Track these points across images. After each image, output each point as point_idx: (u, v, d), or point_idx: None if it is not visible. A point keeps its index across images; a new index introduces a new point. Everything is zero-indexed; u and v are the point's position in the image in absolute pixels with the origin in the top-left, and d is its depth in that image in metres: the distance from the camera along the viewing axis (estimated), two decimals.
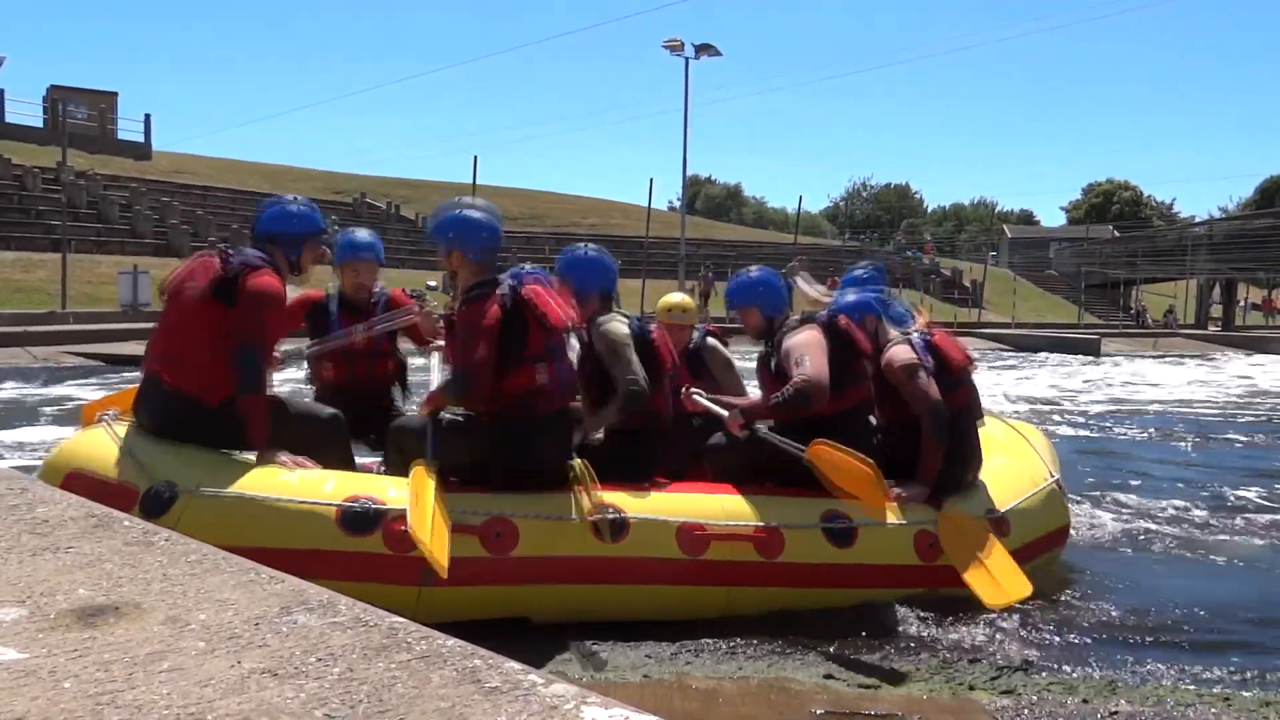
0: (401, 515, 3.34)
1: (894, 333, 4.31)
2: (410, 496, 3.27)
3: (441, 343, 4.36)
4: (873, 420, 4.29)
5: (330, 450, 3.85)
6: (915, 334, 4.28)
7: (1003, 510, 4.17)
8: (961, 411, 4.21)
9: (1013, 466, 4.54)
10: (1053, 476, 4.61)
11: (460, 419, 3.71)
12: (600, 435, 4.02)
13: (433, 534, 3.16)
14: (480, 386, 3.60)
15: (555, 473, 3.70)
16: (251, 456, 3.63)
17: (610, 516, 3.59)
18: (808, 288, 4.99)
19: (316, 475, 3.56)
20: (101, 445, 3.60)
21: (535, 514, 3.56)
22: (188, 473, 3.43)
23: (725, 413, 4.08)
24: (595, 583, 3.59)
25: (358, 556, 3.36)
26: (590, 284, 4.15)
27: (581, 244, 4.47)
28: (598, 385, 4.06)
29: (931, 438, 4.03)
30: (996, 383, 15.52)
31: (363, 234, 4.69)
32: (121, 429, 3.68)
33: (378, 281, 4.66)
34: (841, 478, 3.76)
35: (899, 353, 4.16)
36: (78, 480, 3.41)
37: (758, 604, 3.72)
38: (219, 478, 3.43)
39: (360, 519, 3.40)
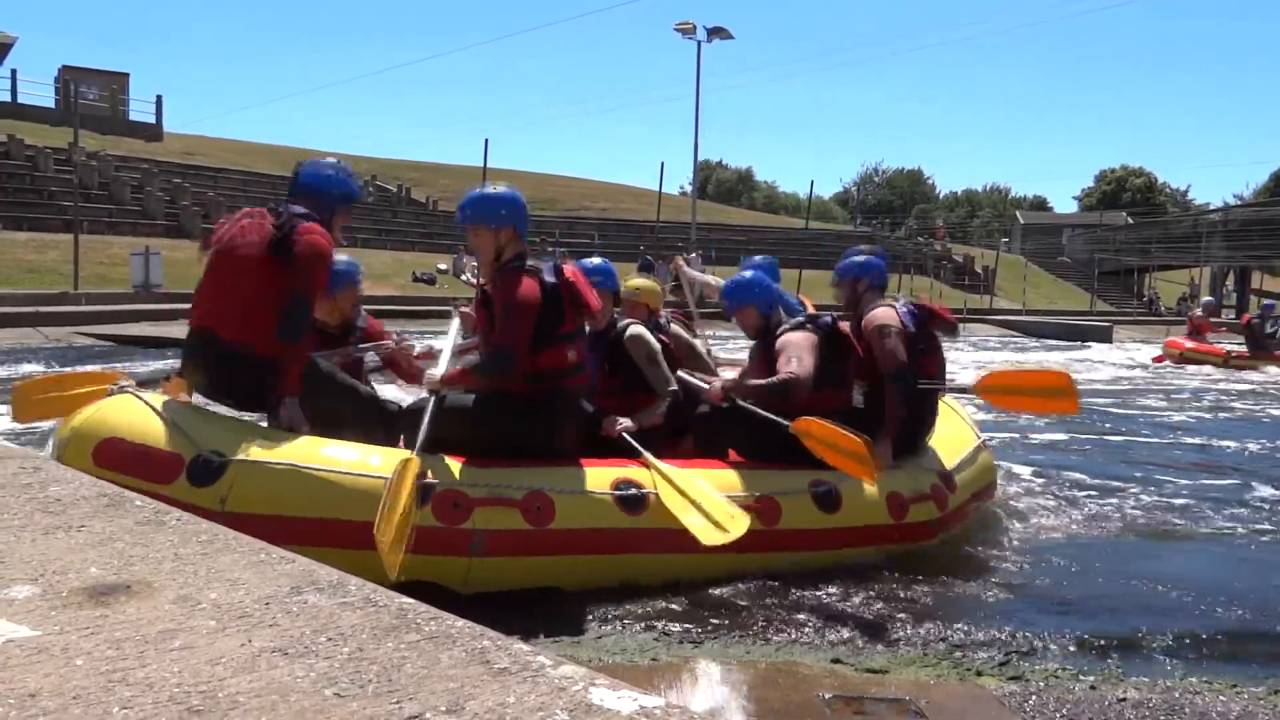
0: (450, 490, 3.46)
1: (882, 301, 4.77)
2: (388, 494, 3.18)
3: (465, 309, 4.40)
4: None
5: (354, 429, 3.91)
6: (901, 302, 4.76)
7: (949, 469, 4.70)
8: (929, 378, 4.71)
9: (947, 432, 5.03)
10: (979, 438, 5.29)
11: (487, 395, 3.75)
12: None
13: (394, 536, 3.11)
14: (520, 364, 3.65)
15: (574, 447, 3.87)
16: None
17: (634, 492, 3.76)
18: (696, 274, 5.65)
19: (363, 449, 3.59)
20: (135, 413, 3.54)
21: (569, 488, 3.68)
22: (235, 442, 3.43)
23: (705, 385, 4.44)
24: (621, 553, 3.72)
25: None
26: (606, 287, 4.46)
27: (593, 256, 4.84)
28: (619, 381, 4.34)
29: (895, 395, 4.47)
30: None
31: (339, 260, 4.42)
32: (150, 397, 3.65)
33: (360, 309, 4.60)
34: (832, 452, 4.01)
35: (879, 314, 4.59)
36: (113, 448, 3.38)
37: (760, 569, 3.90)
38: (267, 448, 3.43)
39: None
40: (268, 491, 3.31)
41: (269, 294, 3.59)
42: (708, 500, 3.73)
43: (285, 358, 3.59)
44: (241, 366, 3.60)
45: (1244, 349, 17.05)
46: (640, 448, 3.97)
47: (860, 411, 4.50)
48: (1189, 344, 18.05)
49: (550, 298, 3.72)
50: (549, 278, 3.74)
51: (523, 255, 3.83)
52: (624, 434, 4.05)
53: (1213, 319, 19.86)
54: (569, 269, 3.84)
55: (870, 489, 4.21)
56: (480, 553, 3.46)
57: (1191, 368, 16.79)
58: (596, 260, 4.64)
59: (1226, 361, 16.83)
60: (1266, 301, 19.53)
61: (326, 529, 3.27)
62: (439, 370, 3.91)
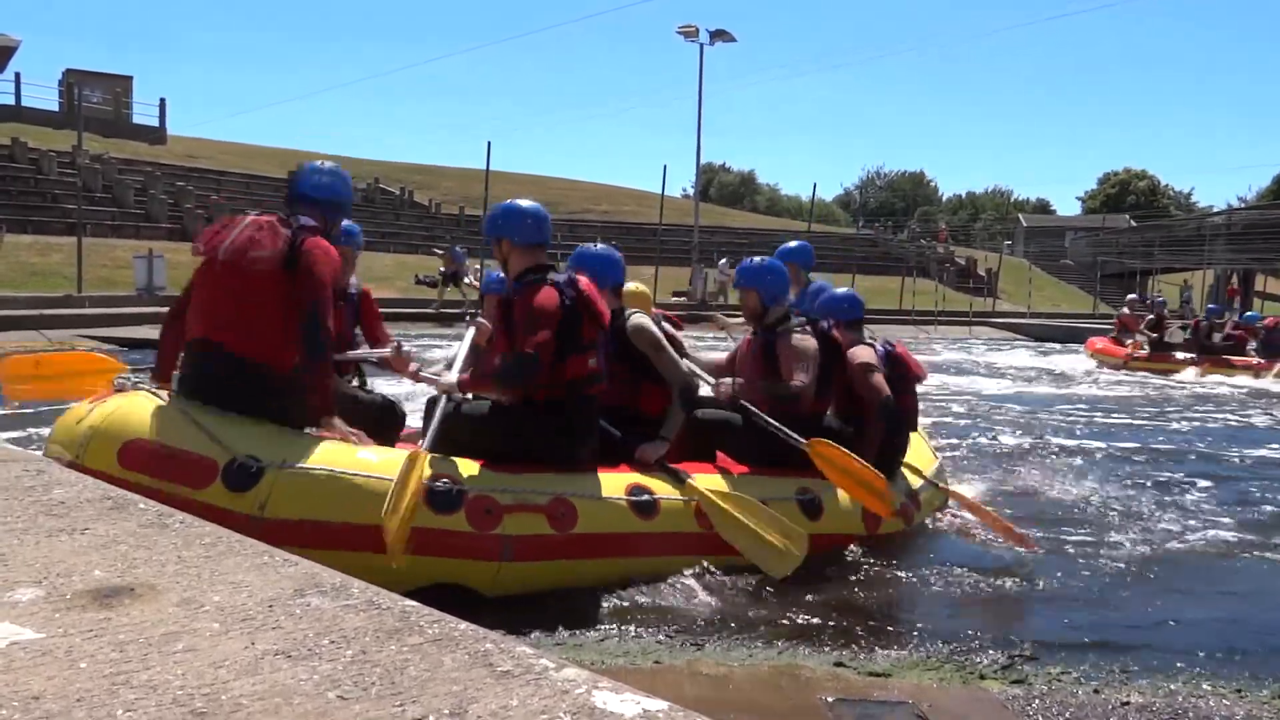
0: (481, 495, 3.50)
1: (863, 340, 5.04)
2: (397, 483, 3.25)
3: (482, 320, 4.39)
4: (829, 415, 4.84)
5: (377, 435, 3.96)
6: (879, 343, 5.07)
7: (915, 489, 5.03)
8: (905, 414, 5.02)
9: (912, 458, 5.24)
10: (938, 458, 5.71)
11: (511, 403, 3.80)
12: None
13: (402, 526, 3.20)
14: (540, 373, 3.68)
15: (594, 455, 3.92)
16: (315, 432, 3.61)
17: (646, 498, 3.88)
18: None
19: (396, 454, 3.58)
20: (159, 414, 3.45)
21: (589, 493, 3.77)
22: (269, 447, 3.40)
23: (707, 377, 4.62)
24: (636, 556, 3.81)
25: (442, 533, 3.43)
26: (607, 279, 4.36)
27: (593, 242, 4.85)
28: (626, 369, 4.28)
29: (878, 424, 4.69)
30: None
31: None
32: (167, 396, 3.59)
33: (353, 274, 4.61)
34: (847, 480, 4.21)
35: (860, 352, 4.85)
36: (140, 450, 3.32)
37: (761, 572, 3.95)
38: (301, 453, 3.40)
39: (445, 498, 3.46)
40: (304, 496, 3.31)
41: (284, 309, 3.49)
42: (764, 520, 3.89)
43: (315, 378, 3.52)
44: (252, 380, 3.50)
45: (1146, 351, 17.15)
46: (682, 473, 4.05)
47: (835, 435, 4.59)
48: (1100, 345, 18.26)
49: (570, 309, 3.77)
50: (568, 290, 3.78)
51: (540, 267, 3.88)
52: (661, 461, 4.11)
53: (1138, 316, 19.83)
54: (583, 280, 3.88)
55: (848, 502, 4.42)
56: (510, 558, 3.51)
57: (1111, 371, 16.92)
58: (601, 247, 4.57)
59: (1127, 363, 16.97)
60: (1159, 299, 19.75)
61: (362, 533, 3.26)
62: (453, 374, 3.91)
